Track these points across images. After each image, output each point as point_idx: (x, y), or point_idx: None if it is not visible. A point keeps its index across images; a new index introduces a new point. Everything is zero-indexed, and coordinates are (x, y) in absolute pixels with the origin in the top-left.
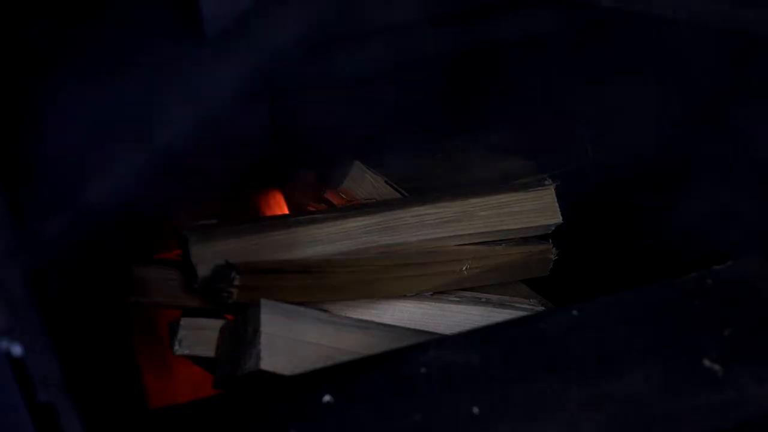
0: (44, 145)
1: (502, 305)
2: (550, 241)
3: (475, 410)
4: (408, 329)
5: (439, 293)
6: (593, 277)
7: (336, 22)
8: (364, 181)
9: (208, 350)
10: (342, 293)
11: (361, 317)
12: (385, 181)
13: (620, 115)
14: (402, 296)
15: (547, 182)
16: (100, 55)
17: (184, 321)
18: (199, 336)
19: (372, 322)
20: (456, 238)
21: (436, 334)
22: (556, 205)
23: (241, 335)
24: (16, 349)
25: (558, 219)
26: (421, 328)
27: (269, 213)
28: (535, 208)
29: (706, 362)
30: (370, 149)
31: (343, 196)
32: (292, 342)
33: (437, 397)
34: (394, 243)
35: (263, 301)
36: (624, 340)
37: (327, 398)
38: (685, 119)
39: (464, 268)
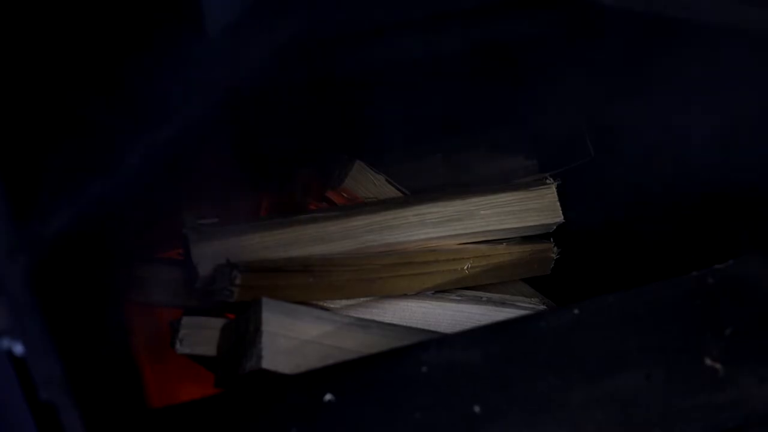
0: (44, 145)
1: (503, 304)
2: (552, 240)
3: (477, 409)
4: (409, 328)
5: (440, 292)
6: (594, 276)
7: (335, 22)
8: (365, 180)
9: (210, 349)
10: (343, 292)
11: (362, 316)
12: (387, 180)
13: (621, 114)
14: (403, 295)
15: (548, 181)
16: (100, 53)
17: (185, 320)
18: (201, 335)
19: (373, 321)
20: (457, 237)
21: (438, 333)
22: (558, 204)
23: (242, 334)
24: (18, 349)
25: (559, 218)
26: (423, 327)
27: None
28: (537, 207)
29: (708, 361)
30: (371, 149)
31: (345, 195)
32: (294, 341)
33: (438, 395)
34: (395, 242)
35: (264, 300)
36: (625, 339)
37: (328, 397)
38: (685, 118)
39: (465, 267)
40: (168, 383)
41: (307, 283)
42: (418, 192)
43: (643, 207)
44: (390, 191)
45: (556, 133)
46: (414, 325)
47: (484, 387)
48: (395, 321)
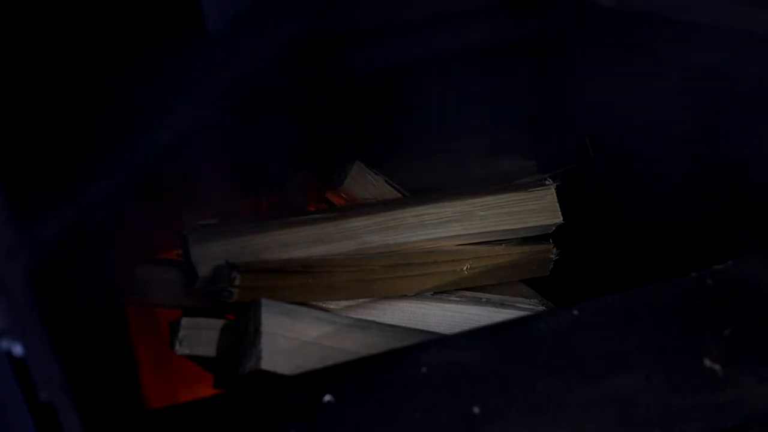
0: (44, 145)
1: (502, 305)
2: (551, 241)
3: (476, 410)
4: (408, 329)
5: (439, 293)
6: (593, 277)
7: (334, 22)
8: (364, 181)
9: (209, 350)
10: (342, 293)
11: (361, 317)
12: (386, 181)
13: (620, 115)
14: (402, 296)
15: (547, 182)
16: (100, 54)
17: (184, 321)
18: (200, 336)
19: (372, 321)
20: (456, 238)
21: (437, 333)
22: (557, 204)
23: (241, 335)
24: (17, 349)
25: (558, 219)
26: (422, 328)
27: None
28: (536, 208)
29: (707, 362)
30: (371, 150)
31: (344, 195)
32: (293, 342)
33: (438, 396)
34: (394, 243)
35: (264, 301)
36: (624, 339)
37: (327, 398)
38: (685, 118)
39: (465, 268)
40: (168, 384)
41: (307, 283)
42: (418, 193)
43: (642, 207)
44: (389, 192)
45: (555, 133)
46: (413, 326)
47: (484, 388)
48: (394, 322)
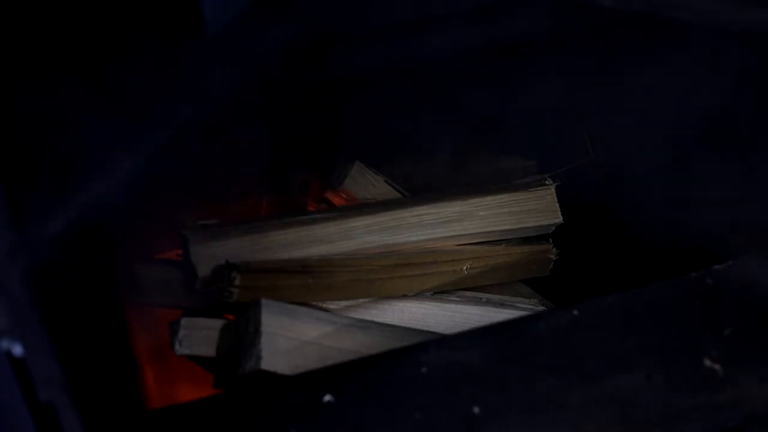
0: (44, 144)
1: (502, 305)
2: (551, 241)
3: (476, 410)
4: (409, 329)
5: (439, 293)
6: (593, 277)
7: (333, 22)
8: (364, 181)
9: (209, 350)
10: (342, 293)
11: (361, 317)
12: (386, 181)
13: (621, 115)
14: (402, 296)
15: (547, 182)
16: (101, 55)
17: (184, 321)
18: (200, 336)
19: (372, 321)
20: (456, 238)
21: (437, 333)
22: (557, 204)
23: (241, 335)
24: (17, 349)
25: (558, 219)
26: (422, 328)
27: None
28: (536, 208)
29: (707, 362)
30: (371, 150)
31: (344, 196)
32: (293, 342)
33: (438, 396)
34: (394, 243)
35: (264, 301)
36: (624, 339)
37: (327, 398)
38: (686, 119)
39: (464, 268)
40: (168, 384)
41: (307, 283)
42: (417, 193)
43: (642, 207)
44: (389, 192)
45: (555, 133)
46: (413, 326)
47: (484, 388)
48: (395, 322)
